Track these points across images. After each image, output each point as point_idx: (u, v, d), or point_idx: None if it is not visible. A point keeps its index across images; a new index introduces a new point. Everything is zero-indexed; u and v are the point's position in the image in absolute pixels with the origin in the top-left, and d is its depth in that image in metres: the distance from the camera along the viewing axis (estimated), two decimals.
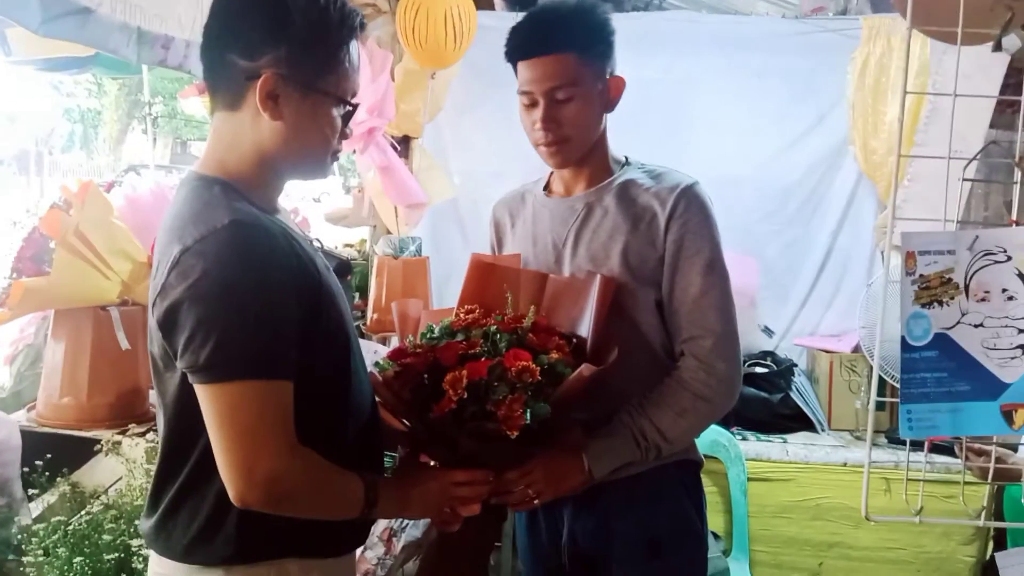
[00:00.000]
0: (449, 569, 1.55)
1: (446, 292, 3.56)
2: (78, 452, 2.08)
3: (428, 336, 1.40)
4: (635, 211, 1.49)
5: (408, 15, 2.88)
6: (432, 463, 1.41)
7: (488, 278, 1.50)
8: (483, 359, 1.28)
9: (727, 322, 1.47)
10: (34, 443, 2.04)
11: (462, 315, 1.43)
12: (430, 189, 3.21)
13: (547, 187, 1.64)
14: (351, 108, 1.23)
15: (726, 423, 3.05)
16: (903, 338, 1.28)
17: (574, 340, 1.41)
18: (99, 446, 2.06)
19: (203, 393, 1.09)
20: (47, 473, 2.00)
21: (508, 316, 1.40)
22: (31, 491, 1.97)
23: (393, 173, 3.06)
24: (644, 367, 1.48)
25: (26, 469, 1.98)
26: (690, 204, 1.48)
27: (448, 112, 3.46)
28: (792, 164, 3.49)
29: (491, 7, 3.54)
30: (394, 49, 3.20)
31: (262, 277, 1.08)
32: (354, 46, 1.22)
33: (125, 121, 14.87)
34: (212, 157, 1.20)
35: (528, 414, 1.24)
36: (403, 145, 3.30)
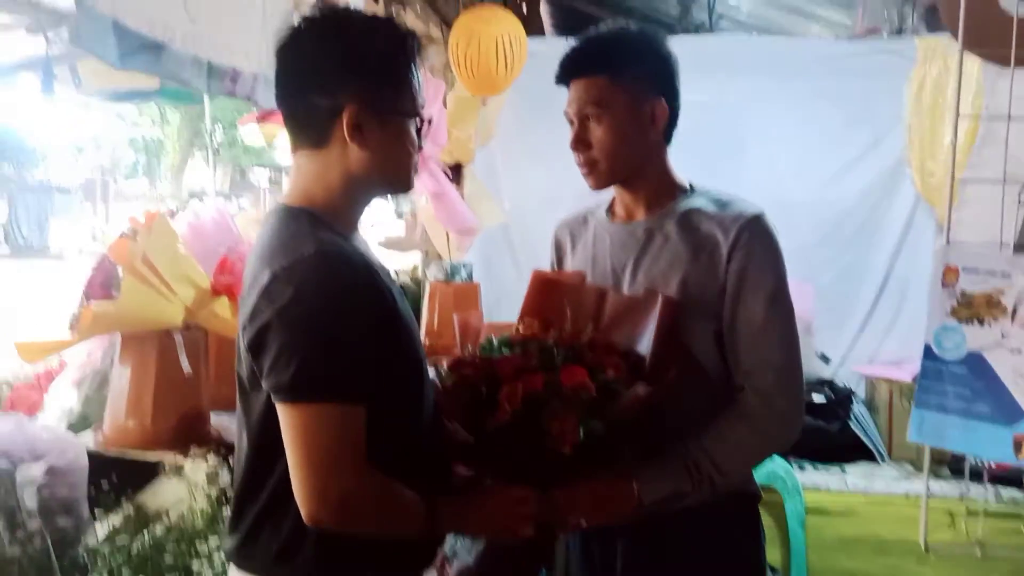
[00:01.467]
0: None
1: (497, 317, 3.58)
2: (142, 474, 2.13)
3: (487, 348, 1.42)
4: (697, 240, 1.47)
5: (460, 43, 2.93)
6: (490, 482, 1.42)
7: (549, 294, 1.51)
8: (539, 373, 1.29)
9: (790, 357, 1.43)
10: (100, 465, 2.10)
11: (521, 329, 1.44)
12: (481, 214, 3.25)
13: (611, 210, 1.63)
14: (423, 121, 1.29)
15: (784, 453, 2.98)
16: (927, 346, 1.25)
17: (632, 359, 1.39)
18: (162, 469, 2.11)
19: (284, 413, 1.14)
20: (112, 495, 2.06)
21: (566, 332, 1.40)
22: (97, 512, 2.02)
23: (445, 199, 3.11)
24: (701, 398, 1.46)
25: (92, 491, 2.04)
26: (754, 235, 1.45)
27: (499, 138, 3.50)
28: (848, 187, 3.44)
29: (541, 33, 3.58)
30: (446, 77, 3.25)
31: (343, 305, 1.13)
32: (417, 63, 1.29)
33: (187, 150, 15.36)
34: (298, 189, 1.26)
35: (582, 431, 1.23)
36: (455, 171, 3.34)
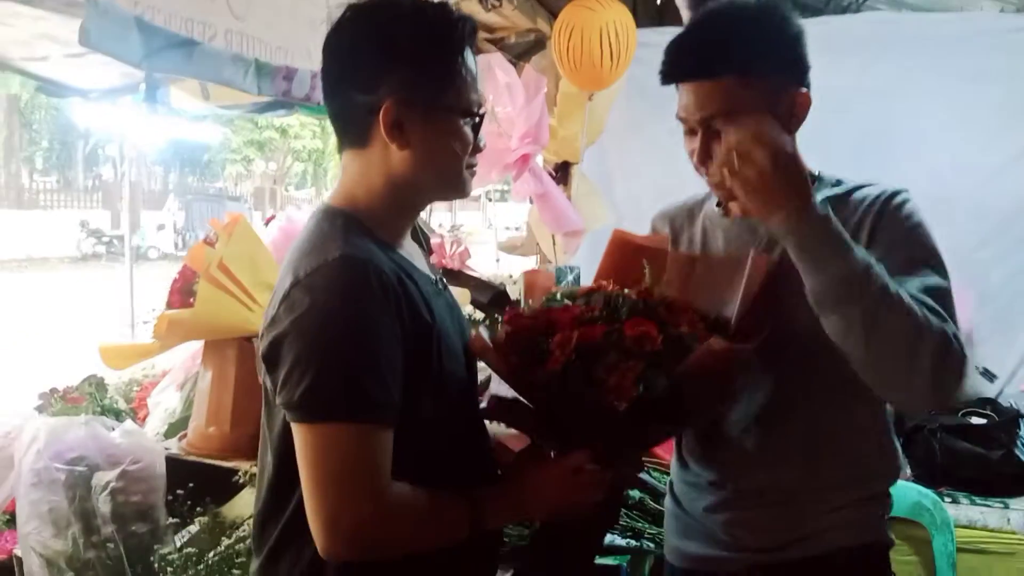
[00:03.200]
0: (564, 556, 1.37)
1: None
2: (221, 482, 2.11)
3: (550, 300, 1.29)
4: None
5: (562, 37, 2.77)
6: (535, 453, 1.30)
7: (630, 258, 1.35)
8: (599, 324, 1.15)
9: (954, 322, 1.16)
10: (181, 471, 2.10)
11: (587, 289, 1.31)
12: (588, 215, 3.07)
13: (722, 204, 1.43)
14: (479, 118, 1.18)
15: (931, 482, 2.62)
16: None
17: (714, 320, 1.23)
18: (238, 477, 2.08)
19: (296, 433, 1.06)
20: (189, 502, 2.05)
21: (641, 289, 1.25)
22: (173, 520, 2.02)
23: (549, 201, 2.95)
24: (811, 375, 1.26)
25: (171, 497, 2.04)
26: (896, 211, 1.25)
27: (611, 135, 3.31)
28: (1015, 181, 2.99)
29: (678, 23, 3.36)
30: (552, 72, 3.10)
31: (362, 316, 1.04)
32: (469, 54, 1.17)
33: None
34: (342, 190, 1.19)
35: (641, 387, 1.10)
36: (562, 171, 3.18)
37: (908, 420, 2.71)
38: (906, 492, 2.44)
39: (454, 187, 1.21)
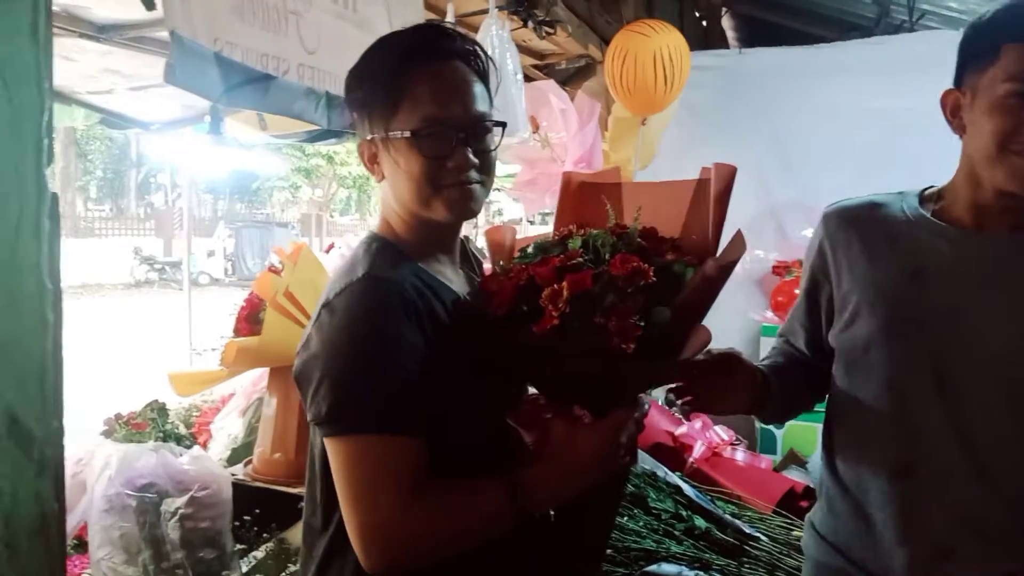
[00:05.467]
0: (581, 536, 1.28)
1: None
2: (287, 508, 2.13)
3: (521, 257, 1.21)
4: None
5: (616, 61, 2.77)
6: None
7: (585, 197, 1.28)
8: (586, 269, 1.08)
9: None
10: (247, 497, 2.12)
11: (557, 235, 1.23)
12: None
13: (940, 211, 1.29)
14: (435, 129, 1.12)
15: None
16: None
17: (692, 242, 1.18)
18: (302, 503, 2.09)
19: (327, 447, 1.09)
20: (255, 528, 2.07)
21: (610, 227, 1.18)
22: (240, 546, 2.04)
23: None
24: None
25: (237, 523, 2.06)
26: None
27: (664, 158, 3.29)
28: None
29: (724, 46, 3.34)
30: (605, 97, 3.10)
31: (383, 331, 1.06)
32: (431, 68, 1.14)
33: None
34: (380, 217, 1.25)
35: (645, 321, 1.03)
36: None
37: None
38: None
39: (429, 206, 1.16)
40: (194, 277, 16.13)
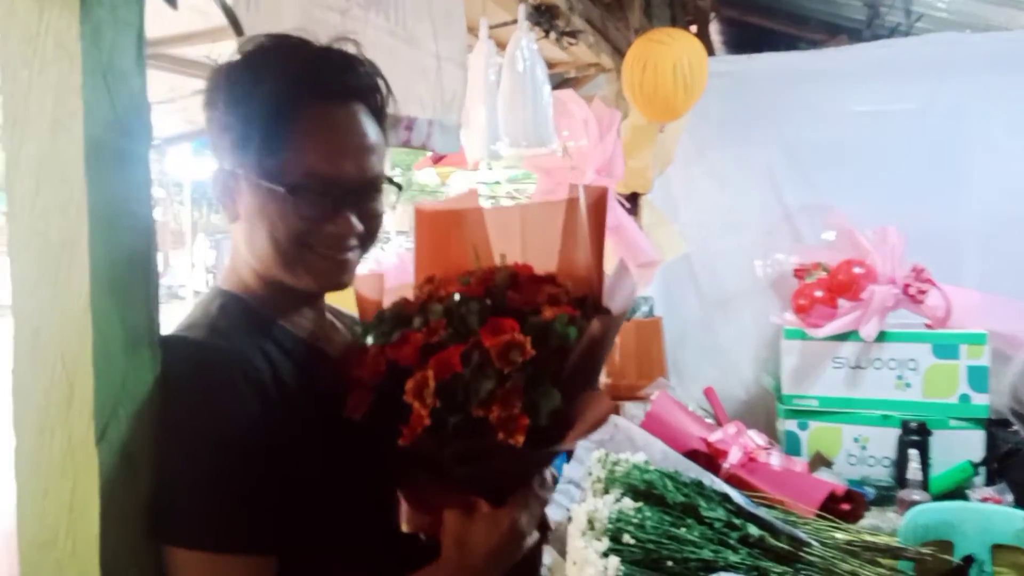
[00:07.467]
0: None
1: (681, 355, 3.38)
2: None
3: (376, 328, 1.00)
4: None
5: (635, 70, 2.78)
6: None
7: (443, 228, 1.10)
8: (452, 346, 0.90)
9: None
10: None
11: (418, 291, 1.04)
12: (661, 245, 3.07)
13: None
14: (318, 187, 0.93)
15: None
16: None
17: (573, 273, 1.02)
18: None
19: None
20: None
21: (476, 275, 1.01)
22: None
23: (623, 233, 2.95)
24: None
25: None
26: None
27: (677, 164, 3.32)
28: None
29: (711, 53, 3.38)
30: (619, 106, 3.12)
31: (221, 427, 0.87)
32: (323, 110, 0.94)
33: None
34: (228, 267, 1.04)
35: (531, 409, 0.86)
36: (631, 202, 3.19)
37: (1002, 444, 2.67)
38: (1010, 518, 2.40)
39: (291, 273, 0.97)
40: (174, 290, 15.96)
